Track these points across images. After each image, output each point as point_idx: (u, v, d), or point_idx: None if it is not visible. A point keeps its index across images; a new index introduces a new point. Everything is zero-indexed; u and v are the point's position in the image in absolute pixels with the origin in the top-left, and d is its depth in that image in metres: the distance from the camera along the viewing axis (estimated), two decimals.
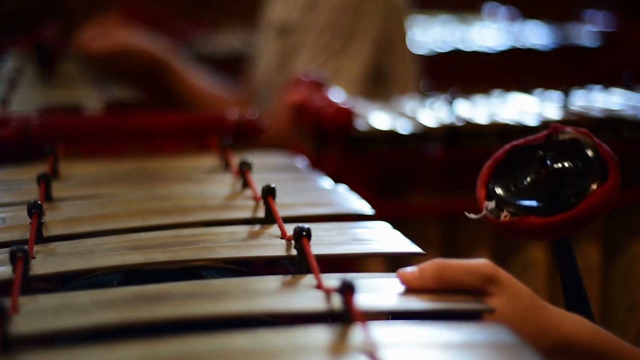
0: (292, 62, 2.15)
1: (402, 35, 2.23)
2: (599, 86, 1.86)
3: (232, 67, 2.86)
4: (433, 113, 1.63)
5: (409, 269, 0.70)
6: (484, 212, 0.88)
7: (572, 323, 0.75)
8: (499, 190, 0.88)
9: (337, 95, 1.62)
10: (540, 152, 0.89)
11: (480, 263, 0.71)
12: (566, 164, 0.88)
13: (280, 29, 2.24)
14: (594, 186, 0.84)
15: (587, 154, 0.87)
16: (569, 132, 0.90)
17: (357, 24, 2.15)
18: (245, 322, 0.65)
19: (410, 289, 0.70)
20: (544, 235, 0.86)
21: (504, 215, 0.87)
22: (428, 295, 0.69)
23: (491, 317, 0.69)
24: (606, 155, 0.86)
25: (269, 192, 0.90)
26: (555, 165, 0.88)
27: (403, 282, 0.70)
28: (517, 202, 0.87)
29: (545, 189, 0.87)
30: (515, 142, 0.92)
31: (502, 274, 0.71)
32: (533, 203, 0.87)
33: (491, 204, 0.88)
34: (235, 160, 1.09)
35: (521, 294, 0.72)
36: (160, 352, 0.56)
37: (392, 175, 1.56)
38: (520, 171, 0.90)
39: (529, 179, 0.89)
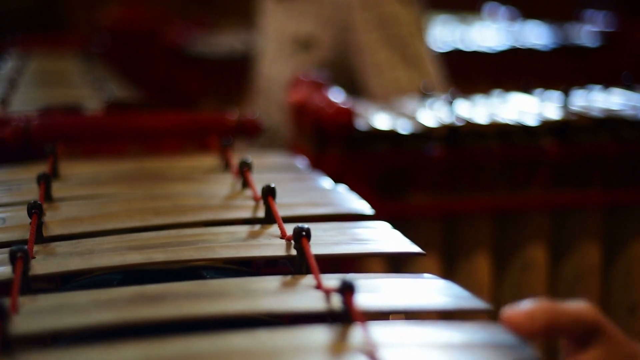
0: None
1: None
2: (599, 86, 1.86)
3: (232, 67, 2.87)
4: (433, 113, 1.63)
5: (517, 310, 0.64)
6: None
7: None
8: None
9: (337, 95, 1.62)
10: None
11: (585, 310, 0.67)
12: None
13: (294, 41, 2.22)
14: None
15: None
16: None
17: (402, 32, 2.16)
18: (245, 322, 0.65)
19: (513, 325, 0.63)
20: None
21: None
22: (428, 295, 0.70)
23: None
24: None
25: (269, 192, 0.90)
26: None
27: (510, 324, 0.64)
28: None
29: None
30: None
31: (605, 323, 0.68)
32: None
33: None
34: (235, 160, 1.09)
35: (619, 345, 0.69)
36: (160, 352, 0.56)
37: (392, 175, 1.56)
38: None
39: None
